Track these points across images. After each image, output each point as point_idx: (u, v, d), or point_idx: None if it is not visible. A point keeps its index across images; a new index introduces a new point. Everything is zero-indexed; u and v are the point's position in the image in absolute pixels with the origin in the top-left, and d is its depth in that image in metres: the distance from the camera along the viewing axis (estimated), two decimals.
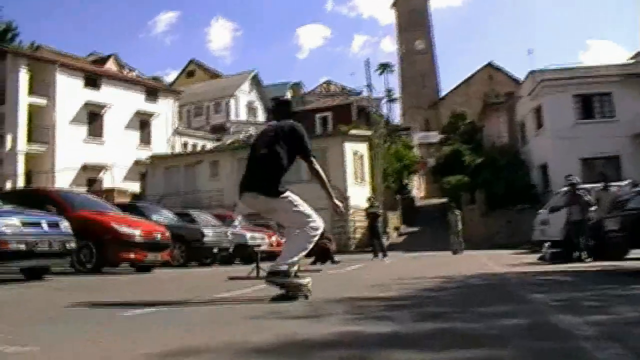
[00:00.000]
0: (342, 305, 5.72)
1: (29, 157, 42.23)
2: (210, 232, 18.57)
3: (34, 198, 14.17)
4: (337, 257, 19.11)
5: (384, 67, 73.31)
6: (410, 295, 6.76)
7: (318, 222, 6.77)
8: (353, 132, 39.99)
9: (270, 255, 23.29)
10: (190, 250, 17.96)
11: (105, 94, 46.14)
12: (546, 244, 16.57)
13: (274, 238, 23.71)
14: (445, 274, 10.85)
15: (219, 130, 56.49)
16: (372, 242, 23.26)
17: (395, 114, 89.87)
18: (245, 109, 62.52)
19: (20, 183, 40.55)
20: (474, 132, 53.04)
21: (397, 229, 44.68)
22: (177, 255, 17.87)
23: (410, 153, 50.44)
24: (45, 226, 10.89)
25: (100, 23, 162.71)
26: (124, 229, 13.49)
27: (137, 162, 45.57)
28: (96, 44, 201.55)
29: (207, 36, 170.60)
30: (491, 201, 38.39)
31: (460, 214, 28.16)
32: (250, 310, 5.50)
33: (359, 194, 35.94)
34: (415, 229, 46.04)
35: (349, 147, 38.03)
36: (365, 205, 24.65)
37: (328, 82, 69.35)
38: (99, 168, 44.30)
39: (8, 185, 39.03)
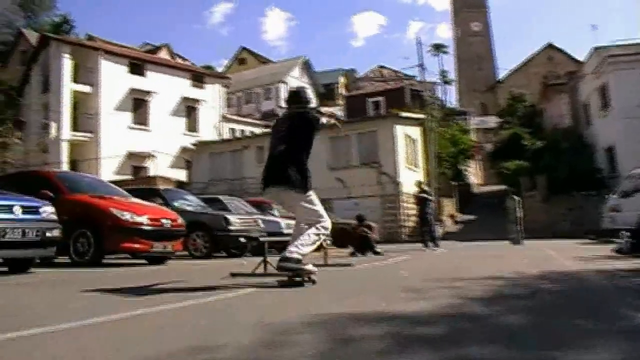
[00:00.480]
0: (317, 336, 3.47)
1: (73, 145, 41.18)
2: (237, 220, 16.34)
3: (32, 181, 12.68)
4: (380, 248, 16.71)
5: (438, 48, 69.90)
6: (445, 313, 4.37)
7: (328, 224, 6.97)
8: (404, 114, 37.45)
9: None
10: (213, 239, 15.83)
11: (151, 80, 44.67)
12: (624, 233, 13.92)
13: None
14: (503, 271, 8.49)
15: (269, 116, 54.50)
16: (422, 230, 20.87)
17: (451, 96, 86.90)
18: None
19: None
20: (534, 115, 49.98)
21: (452, 216, 42.05)
22: (200, 245, 15.86)
23: (466, 137, 47.58)
24: (18, 211, 9.00)
25: (156, 15, 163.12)
26: (126, 215, 11.50)
27: (183, 150, 43.86)
28: (152, 36, 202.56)
29: (262, 26, 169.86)
30: (553, 187, 35.56)
31: (520, 201, 25.45)
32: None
33: (411, 180, 33.41)
34: (471, 217, 43.34)
35: (400, 130, 35.58)
36: (414, 189, 22.25)
37: (381, 67, 66.72)
38: (144, 156, 42.82)
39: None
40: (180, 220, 12.94)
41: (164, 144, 42.89)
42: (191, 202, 17.71)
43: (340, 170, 35.80)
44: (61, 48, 41.80)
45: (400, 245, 25.19)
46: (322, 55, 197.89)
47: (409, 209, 33.61)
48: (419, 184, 21.49)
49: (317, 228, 6.75)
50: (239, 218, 16.65)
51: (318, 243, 6.89)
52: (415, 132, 38.44)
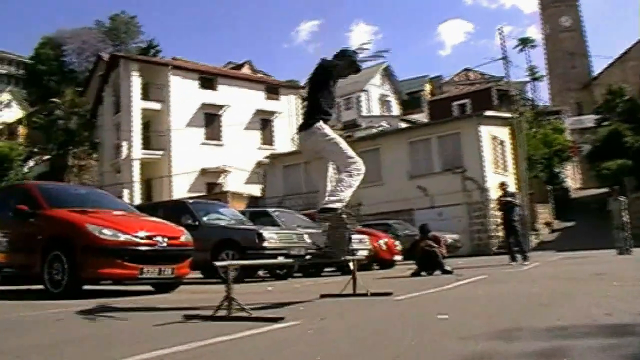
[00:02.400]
0: None
1: (145, 163, 39.62)
2: (273, 235, 13.40)
3: (12, 195, 10.88)
4: (449, 265, 13.44)
5: (525, 42, 64.52)
6: None
7: (360, 164, 6.68)
8: (490, 113, 33.81)
9: (373, 264, 18.42)
10: (246, 259, 12.99)
11: (223, 94, 42.69)
12: None
13: (382, 242, 18.52)
14: (618, 305, 5.24)
15: (351, 126, 51.73)
16: (509, 242, 17.44)
17: (542, 94, 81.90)
18: (377, 103, 57.44)
19: (137, 190, 37.74)
20: (635, 110, 45.05)
21: (548, 224, 37.94)
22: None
23: (560, 137, 43.18)
24: None
25: (244, 37, 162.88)
26: (106, 233, 8.81)
27: (259, 164, 41.47)
28: (238, 57, 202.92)
29: (348, 41, 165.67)
30: None
31: (625, 202, 21.50)
32: None
33: None
34: (570, 223, 39.08)
35: (486, 131, 32.00)
36: (497, 192, 18.88)
37: (467, 70, 62.85)
38: (218, 172, 40.78)
39: (125, 194, 36.29)
40: (184, 238, 10.11)
41: (238, 159, 40.64)
42: (225, 216, 14.98)
43: (421, 178, 32.62)
44: (129, 66, 40.47)
45: (487, 259, 21.76)
46: (410, 66, 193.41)
47: (499, 217, 29.99)
48: (502, 185, 18.04)
49: (348, 171, 6.57)
50: (277, 233, 13.73)
51: (356, 184, 6.66)
52: (503, 133, 34.75)
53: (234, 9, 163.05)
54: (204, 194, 36.98)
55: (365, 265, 17.00)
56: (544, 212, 38.18)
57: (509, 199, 17.25)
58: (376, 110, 55.69)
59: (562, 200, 42.80)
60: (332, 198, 6.52)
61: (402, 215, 32.10)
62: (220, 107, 42.06)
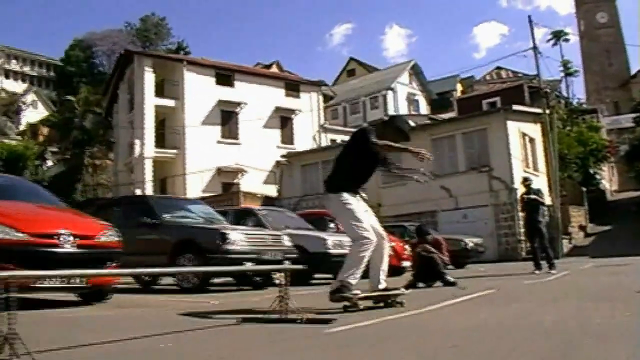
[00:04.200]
0: None
1: (159, 162, 37.62)
2: (240, 236, 10.96)
3: None
4: (472, 271, 11.14)
5: (558, 36, 60.66)
6: None
7: (370, 238, 6.46)
8: (519, 107, 31.00)
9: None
10: (207, 264, 10.59)
11: (240, 91, 40.51)
12: None
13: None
14: None
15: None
16: (533, 247, 14.82)
17: (577, 90, 78.39)
18: (405, 102, 54.67)
19: (149, 190, 35.75)
20: None
21: (582, 228, 34.91)
22: (187, 275, 10.79)
23: (596, 136, 40.02)
24: None
25: (276, 39, 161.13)
26: None
27: (277, 163, 39.11)
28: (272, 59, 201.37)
29: (382, 44, 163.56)
30: None
31: None
32: None
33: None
34: (606, 227, 35.97)
35: (514, 127, 29.29)
36: (520, 189, 16.29)
37: (498, 68, 59.83)
38: (235, 171, 38.54)
39: (138, 194, 34.31)
40: (105, 237, 7.79)
41: (256, 158, 38.36)
42: (193, 214, 12.59)
43: (445, 178, 29.92)
44: (143, 62, 38.60)
45: (513, 266, 19.11)
46: (443, 69, 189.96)
47: (522, 217, 27.33)
48: (525, 182, 15.38)
49: (358, 245, 6.41)
50: (246, 234, 11.28)
51: (365, 260, 6.43)
52: (534, 130, 31.97)
53: (266, 12, 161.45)
54: (218, 194, 34.95)
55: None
56: (578, 215, 35.19)
57: (532, 196, 14.62)
58: (403, 109, 52.94)
59: (597, 203, 39.67)
60: (345, 275, 6.34)
61: (425, 217, 29.71)
62: (238, 104, 39.89)
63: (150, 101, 37.72)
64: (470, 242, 21.82)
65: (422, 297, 7.91)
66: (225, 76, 40.59)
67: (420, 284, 10.23)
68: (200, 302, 8.38)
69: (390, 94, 52.99)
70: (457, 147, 30.20)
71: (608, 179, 49.60)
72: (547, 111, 31.19)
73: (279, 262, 11.49)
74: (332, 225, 17.30)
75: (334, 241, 13.19)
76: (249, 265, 10.68)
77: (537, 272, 13.92)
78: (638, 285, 8.35)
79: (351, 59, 69.96)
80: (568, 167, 35.64)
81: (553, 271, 13.79)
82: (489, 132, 29.24)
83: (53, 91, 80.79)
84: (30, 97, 67.96)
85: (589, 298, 6.81)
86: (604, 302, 6.28)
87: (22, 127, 61.09)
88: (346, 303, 6.26)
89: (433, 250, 10.34)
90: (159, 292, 11.55)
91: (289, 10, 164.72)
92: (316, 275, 14.45)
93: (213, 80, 39.85)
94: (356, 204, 6.67)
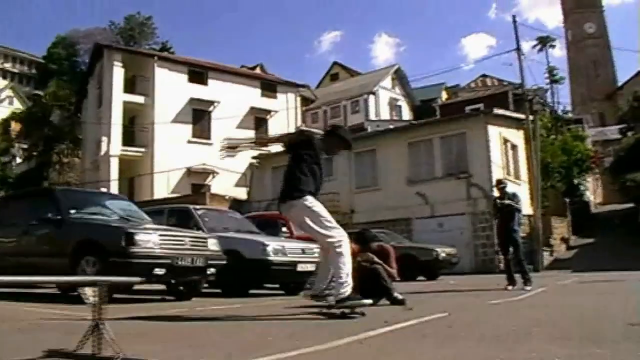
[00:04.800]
0: None
1: (125, 160, 35.51)
2: (152, 238, 8.99)
3: None
4: (443, 284, 9.37)
5: (544, 41, 58.44)
6: None
7: (341, 235, 6.47)
8: (500, 111, 29.18)
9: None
10: (109, 269, 8.62)
11: (214, 89, 38.57)
12: None
13: None
14: None
15: (357, 130, 47.17)
16: (505, 258, 12.91)
17: (562, 100, 77.14)
18: (387, 107, 52.70)
19: (115, 189, 33.70)
20: None
21: (565, 240, 33.08)
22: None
23: (581, 145, 38.22)
24: None
25: (264, 45, 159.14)
26: None
27: (251, 166, 37.07)
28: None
29: (370, 52, 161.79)
30: None
31: None
32: None
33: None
34: (589, 240, 34.17)
35: (495, 132, 27.47)
36: (494, 192, 14.37)
37: (483, 76, 58.06)
38: (206, 172, 36.46)
39: None
40: None
41: (228, 160, 36.26)
42: (109, 211, 10.55)
43: (421, 184, 28.21)
44: (113, 56, 36.59)
45: (488, 278, 17.15)
46: (433, 79, 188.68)
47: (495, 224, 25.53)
48: (499, 184, 13.44)
49: (334, 248, 6.35)
50: (161, 235, 9.24)
51: (347, 261, 6.41)
52: (516, 136, 30.15)
53: (255, 16, 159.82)
54: (184, 195, 32.91)
55: None
56: (560, 227, 33.34)
57: (507, 202, 12.69)
58: (385, 114, 50.96)
59: (581, 215, 37.82)
60: (338, 286, 6.30)
61: (400, 224, 27.95)
62: (211, 103, 37.94)
63: (119, 97, 35.74)
64: (443, 252, 19.86)
65: (346, 323, 5.98)
66: (198, 73, 38.62)
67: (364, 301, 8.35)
68: (65, 314, 6.49)
69: (371, 98, 50.99)
70: (435, 151, 28.36)
71: (592, 190, 47.83)
72: (531, 117, 29.35)
73: (201, 269, 9.61)
74: (284, 229, 15.50)
75: (275, 247, 11.20)
76: (159, 272, 8.77)
77: (509, 287, 12.03)
78: (629, 311, 6.47)
79: (335, 63, 68.02)
80: (551, 177, 33.87)
81: (528, 287, 11.90)
82: (468, 137, 27.42)
83: (34, 89, 78.72)
84: (5, 93, 65.70)
85: (562, 336, 4.85)
86: (584, 345, 4.34)
87: None
88: (358, 311, 6.46)
89: (377, 260, 8.37)
90: (53, 299, 9.55)
91: (278, 15, 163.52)
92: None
93: (185, 77, 37.89)
94: (319, 206, 6.52)
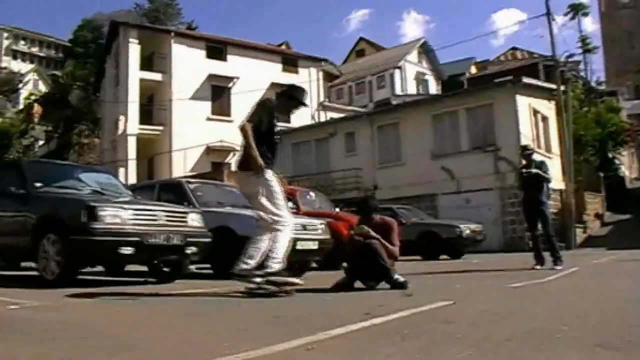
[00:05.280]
0: None
1: (143, 139, 34.43)
2: (118, 212, 7.65)
3: None
4: (466, 261, 8.65)
5: (576, 8, 55.48)
6: None
7: (287, 221, 6.40)
8: (529, 80, 27.43)
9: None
10: (70, 248, 7.36)
11: (233, 65, 37.22)
12: None
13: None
14: None
15: (382, 106, 45.66)
16: (533, 234, 11.44)
17: (596, 69, 74.81)
18: (413, 81, 50.97)
19: (133, 169, 32.75)
20: None
21: (599, 216, 31.34)
22: (49, 261, 7.80)
23: (616, 117, 36.16)
24: None
25: (293, 24, 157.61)
26: None
27: None
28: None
29: (399, 30, 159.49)
30: None
31: None
32: None
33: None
34: (625, 216, 32.32)
35: (524, 103, 25.77)
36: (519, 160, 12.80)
37: (513, 49, 55.91)
38: (226, 150, 35.18)
39: (121, 173, 31.25)
40: None
41: None
42: (84, 185, 9.27)
43: (447, 158, 26.68)
44: (128, 33, 35.40)
45: (515, 257, 15.67)
46: (462, 53, 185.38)
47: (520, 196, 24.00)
48: (524, 151, 11.92)
49: (277, 228, 6.26)
50: (127, 209, 7.90)
51: (287, 237, 6.36)
52: (547, 107, 28.39)
53: None
54: (202, 172, 31.79)
55: (325, 260, 11.62)
56: (594, 202, 31.58)
57: (534, 171, 11.21)
58: (412, 89, 49.31)
59: (615, 190, 35.84)
60: (271, 260, 6.13)
61: (424, 200, 26.54)
62: (230, 79, 36.60)
63: (135, 75, 34.61)
64: (467, 228, 18.34)
65: (318, 316, 4.65)
66: (216, 49, 37.33)
67: (361, 283, 6.98)
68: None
69: (397, 72, 49.33)
70: (461, 124, 26.79)
71: (628, 165, 45.65)
72: (562, 87, 27.56)
73: (178, 247, 8.34)
74: (290, 204, 14.16)
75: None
76: (126, 251, 7.52)
77: (537, 267, 10.61)
78: None
79: (361, 38, 66.27)
80: (584, 150, 31.99)
81: (558, 266, 10.49)
82: (495, 108, 25.79)
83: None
84: (30, 76, 65.22)
85: (602, 341, 3.41)
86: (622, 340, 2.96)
87: (20, 106, 58.59)
88: (283, 288, 6.11)
89: (374, 235, 6.95)
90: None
91: None
92: None
93: (203, 53, 36.63)
94: (276, 184, 6.43)
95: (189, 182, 11.96)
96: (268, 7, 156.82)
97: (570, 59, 35.01)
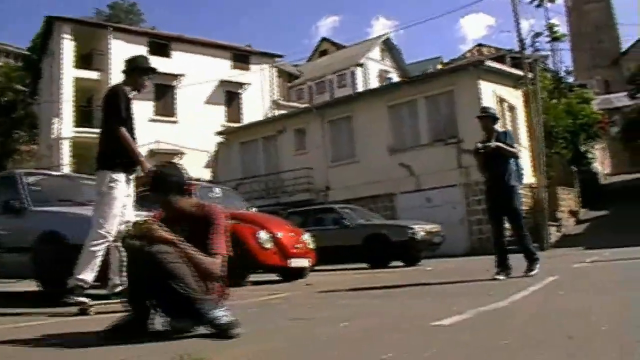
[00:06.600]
0: None
1: (79, 143, 30.87)
2: None
3: None
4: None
5: None
6: None
7: (107, 234, 5.62)
8: (494, 64, 24.46)
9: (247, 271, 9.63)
10: None
11: (179, 62, 33.98)
12: None
13: (262, 235, 9.52)
14: None
15: None
16: (496, 230, 8.21)
17: (564, 59, 72.93)
18: (376, 79, 47.80)
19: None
20: None
21: (573, 213, 28.39)
22: None
23: (587, 108, 33.29)
24: None
25: (262, 31, 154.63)
26: None
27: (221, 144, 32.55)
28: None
29: (368, 36, 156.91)
30: None
31: None
32: None
33: None
34: (601, 213, 29.45)
35: (488, 89, 22.81)
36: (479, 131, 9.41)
37: (479, 45, 53.35)
38: (171, 153, 31.83)
39: None
40: None
41: (196, 139, 31.63)
42: None
43: (405, 153, 23.69)
44: (62, 29, 31.97)
45: (480, 263, 12.61)
46: (430, 53, 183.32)
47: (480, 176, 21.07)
48: (483, 114, 8.72)
49: (94, 239, 5.57)
50: None
51: (99, 258, 5.57)
52: (514, 96, 25.53)
53: (250, 2, 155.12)
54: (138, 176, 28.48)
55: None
56: (568, 198, 28.62)
57: (493, 144, 8.09)
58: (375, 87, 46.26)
59: (589, 186, 33.02)
60: (77, 273, 5.48)
61: (381, 201, 23.64)
62: (175, 76, 33.23)
63: (69, 73, 31.26)
64: (421, 230, 15.14)
65: None
66: (160, 45, 34.01)
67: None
68: None
69: (359, 70, 46.16)
70: (420, 115, 23.80)
71: (600, 161, 42.99)
72: (530, 74, 24.58)
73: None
74: None
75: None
76: None
77: (499, 277, 7.52)
78: None
79: (324, 39, 63.05)
80: (555, 143, 29.04)
81: (532, 272, 7.46)
82: (457, 95, 22.86)
83: None
84: None
85: None
86: None
87: None
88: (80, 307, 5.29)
89: (166, 236, 3.57)
90: None
91: (272, 1, 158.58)
92: None
93: (145, 49, 33.18)
94: (121, 192, 5.80)
95: (29, 174, 8.71)
96: (236, 13, 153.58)
97: (537, 50, 32.07)
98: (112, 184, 5.72)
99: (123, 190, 5.85)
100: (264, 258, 9.46)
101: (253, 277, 10.07)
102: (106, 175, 5.76)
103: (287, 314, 4.92)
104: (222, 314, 3.52)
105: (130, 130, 6.03)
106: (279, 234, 9.88)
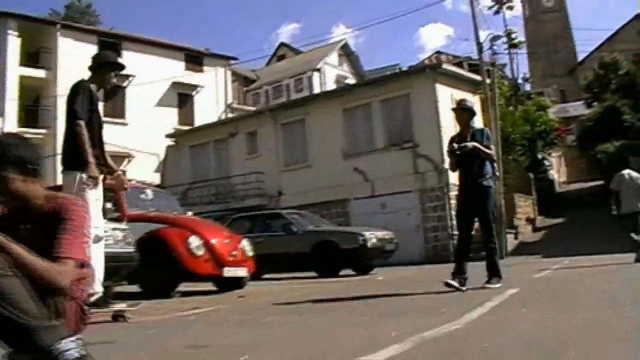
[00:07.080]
0: None
1: None
2: None
3: None
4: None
5: (500, 1, 52.31)
6: None
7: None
8: (450, 67, 23.87)
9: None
10: None
11: (129, 62, 32.00)
12: None
13: (194, 241, 8.54)
14: None
15: None
16: (463, 233, 7.33)
17: (521, 66, 74.03)
18: (334, 85, 47.04)
19: None
20: (633, 86, 35.27)
21: (530, 220, 27.92)
22: None
23: (545, 115, 33.00)
24: None
25: (220, 36, 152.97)
26: None
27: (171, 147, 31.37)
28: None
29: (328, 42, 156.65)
30: None
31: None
32: None
33: None
34: (558, 220, 29.09)
35: (446, 93, 22.14)
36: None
37: (438, 53, 52.97)
38: (120, 157, 30.49)
39: None
40: None
41: (147, 142, 30.34)
42: None
43: (360, 158, 22.91)
44: (7, 24, 30.38)
45: (437, 270, 11.80)
46: (388, 61, 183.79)
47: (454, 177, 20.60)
48: (460, 106, 7.94)
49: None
50: None
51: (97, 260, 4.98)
52: (471, 101, 24.82)
53: (208, 6, 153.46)
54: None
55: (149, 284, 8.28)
56: (525, 206, 28.16)
57: (470, 144, 7.19)
58: None
59: (546, 193, 32.77)
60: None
61: (335, 207, 22.81)
62: (125, 77, 31.88)
63: (13, 71, 29.78)
64: (373, 236, 14.25)
65: None
66: (109, 44, 32.53)
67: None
68: None
69: (316, 75, 45.32)
70: (375, 118, 23.07)
71: (556, 169, 42.88)
72: (488, 80, 24.02)
73: None
74: (109, 205, 9.95)
75: None
76: None
77: (453, 283, 6.73)
78: None
79: (282, 44, 62.14)
80: (513, 150, 28.59)
81: (493, 285, 6.63)
82: (413, 98, 22.18)
83: None
84: None
85: None
86: None
87: None
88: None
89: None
90: None
91: (233, 7, 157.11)
92: None
93: (95, 48, 31.79)
94: (93, 195, 5.28)
95: None
96: (196, 18, 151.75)
97: (495, 54, 31.60)
98: (82, 185, 5.25)
99: (94, 195, 5.34)
100: (194, 266, 8.46)
101: (185, 287, 9.12)
102: (76, 177, 5.27)
103: (189, 338, 3.98)
104: (71, 347, 2.53)
105: (98, 128, 5.76)
106: (213, 240, 8.90)
